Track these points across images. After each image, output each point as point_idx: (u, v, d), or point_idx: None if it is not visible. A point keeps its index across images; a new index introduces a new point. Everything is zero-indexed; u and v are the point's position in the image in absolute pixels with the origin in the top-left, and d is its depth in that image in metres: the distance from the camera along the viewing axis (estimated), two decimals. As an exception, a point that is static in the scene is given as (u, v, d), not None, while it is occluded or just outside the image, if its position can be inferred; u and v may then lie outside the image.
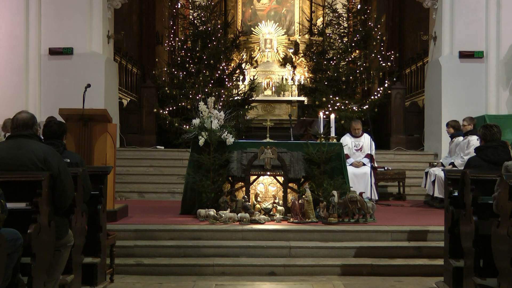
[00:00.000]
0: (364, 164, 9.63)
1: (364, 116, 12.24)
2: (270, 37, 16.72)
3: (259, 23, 16.90)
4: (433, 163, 9.85)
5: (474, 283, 4.67)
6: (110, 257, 5.77)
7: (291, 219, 7.16)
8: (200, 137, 7.68)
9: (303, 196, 7.24)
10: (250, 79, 15.07)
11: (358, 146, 9.87)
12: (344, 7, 14.81)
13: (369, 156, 9.66)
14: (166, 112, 13.15)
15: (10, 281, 3.68)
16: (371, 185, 9.30)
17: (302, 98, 15.67)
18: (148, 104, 13.40)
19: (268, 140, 8.18)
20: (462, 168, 6.30)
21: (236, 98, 13.76)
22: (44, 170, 4.21)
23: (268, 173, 7.77)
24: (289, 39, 17.06)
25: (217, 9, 15.70)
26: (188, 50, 14.00)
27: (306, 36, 17.02)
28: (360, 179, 9.41)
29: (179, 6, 15.54)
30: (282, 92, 16.01)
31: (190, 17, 14.61)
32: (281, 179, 7.75)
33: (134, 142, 13.01)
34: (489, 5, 11.39)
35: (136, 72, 15.62)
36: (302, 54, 16.45)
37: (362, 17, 14.44)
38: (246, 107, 13.83)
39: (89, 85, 7.82)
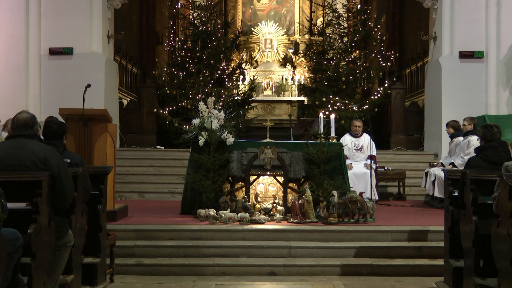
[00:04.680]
0: (370, 166, 9.49)
1: (364, 116, 12.23)
2: (270, 37, 16.71)
3: (259, 23, 16.89)
4: (433, 163, 9.85)
5: (474, 283, 4.66)
6: (110, 257, 5.77)
7: (291, 219, 7.16)
8: (200, 137, 7.67)
9: (303, 196, 7.24)
10: (250, 79, 15.07)
11: (358, 146, 9.86)
12: (344, 7, 14.80)
13: (372, 157, 9.62)
14: (166, 112, 13.16)
15: (10, 281, 3.68)
16: (371, 185, 9.29)
17: (302, 98, 15.66)
18: (148, 104, 13.42)
19: (268, 140, 8.17)
20: (462, 168, 6.30)
21: (236, 98, 13.76)
22: (44, 170, 4.20)
23: (268, 173, 7.76)
24: (289, 39, 17.05)
25: (217, 9, 15.70)
26: (188, 50, 14.00)
27: (306, 36, 17.01)
28: (360, 179, 9.39)
29: (179, 6, 15.54)
30: (282, 92, 16.00)
31: (190, 17, 14.61)
32: (281, 179, 7.74)
33: (134, 142, 13.01)
34: (489, 5, 11.39)
35: (136, 72, 15.61)
36: (302, 54, 16.43)
37: (362, 17, 14.43)
38: (246, 107, 13.84)
39: (89, 85, 7.80)
